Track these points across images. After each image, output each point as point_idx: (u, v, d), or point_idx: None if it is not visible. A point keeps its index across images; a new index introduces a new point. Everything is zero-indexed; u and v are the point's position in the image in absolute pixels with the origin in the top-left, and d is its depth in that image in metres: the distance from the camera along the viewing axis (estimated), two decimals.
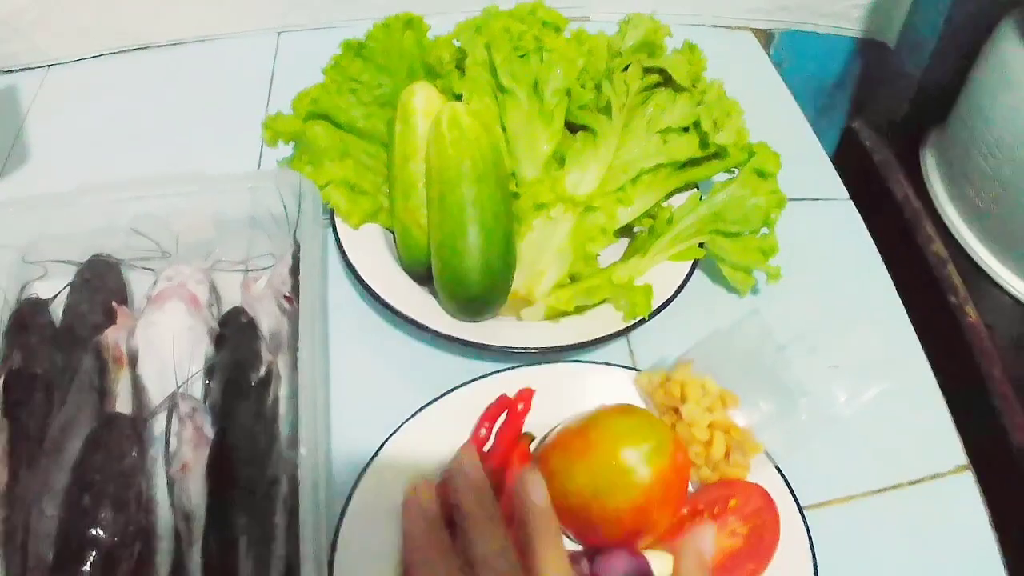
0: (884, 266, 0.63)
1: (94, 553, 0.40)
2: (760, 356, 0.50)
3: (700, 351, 0.51)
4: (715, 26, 0.84)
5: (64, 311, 0.52)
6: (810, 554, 0.45)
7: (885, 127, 0.88)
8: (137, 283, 0.54)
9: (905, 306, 0.61)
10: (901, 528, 0.49)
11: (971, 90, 0.75)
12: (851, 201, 0.69)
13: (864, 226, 0.66)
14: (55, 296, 0.53)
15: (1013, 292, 0.72)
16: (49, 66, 0.73)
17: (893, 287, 0.62)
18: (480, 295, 0.50)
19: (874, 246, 0.65)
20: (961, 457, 0.53)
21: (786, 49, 0.89)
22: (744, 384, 0.49)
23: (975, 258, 0.74)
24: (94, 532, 0.41)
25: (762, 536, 0.45)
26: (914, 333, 0.59)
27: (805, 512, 0.45)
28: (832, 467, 0.51)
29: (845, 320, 0.59)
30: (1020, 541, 0.50)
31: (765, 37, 0.87)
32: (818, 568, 0.44)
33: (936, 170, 0.81)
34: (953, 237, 0.76)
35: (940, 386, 0.56)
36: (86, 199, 0.53)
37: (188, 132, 0.68)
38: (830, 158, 0.72)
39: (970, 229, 0.75)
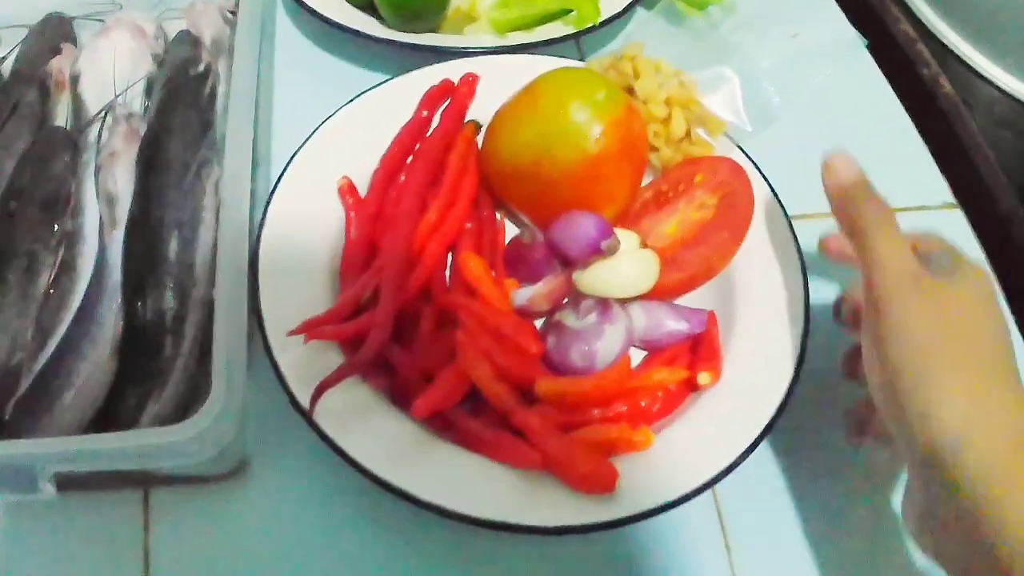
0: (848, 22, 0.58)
1: (19, 257, 0.39)
2: (715, 33, 0.46)
3: (650, 30, 0.47)
4: None
5: (15, 60, 0.51)
6: (789, 231, 0.41)
7: None
8: (91, 38, 0.53)
9: None
10: None
11: None
12: None
13: None
14: (8, 53, 0.52)
15: (986, 75, 0.65)
16: None
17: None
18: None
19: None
20: (948, 196, 0.50)
21: None
22: (701, 65, 0.45)
23: (946, 43, 0.67)
24: (18, 236, 0.40)
25: (733, 204, 0.41)
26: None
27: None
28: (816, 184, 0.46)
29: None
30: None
31: None
32: (800, 246, 0.40)
33: None
34: (923, 24, 0.70)
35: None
36: None
37: None
38: None
39: (936, 13, 0.69)
